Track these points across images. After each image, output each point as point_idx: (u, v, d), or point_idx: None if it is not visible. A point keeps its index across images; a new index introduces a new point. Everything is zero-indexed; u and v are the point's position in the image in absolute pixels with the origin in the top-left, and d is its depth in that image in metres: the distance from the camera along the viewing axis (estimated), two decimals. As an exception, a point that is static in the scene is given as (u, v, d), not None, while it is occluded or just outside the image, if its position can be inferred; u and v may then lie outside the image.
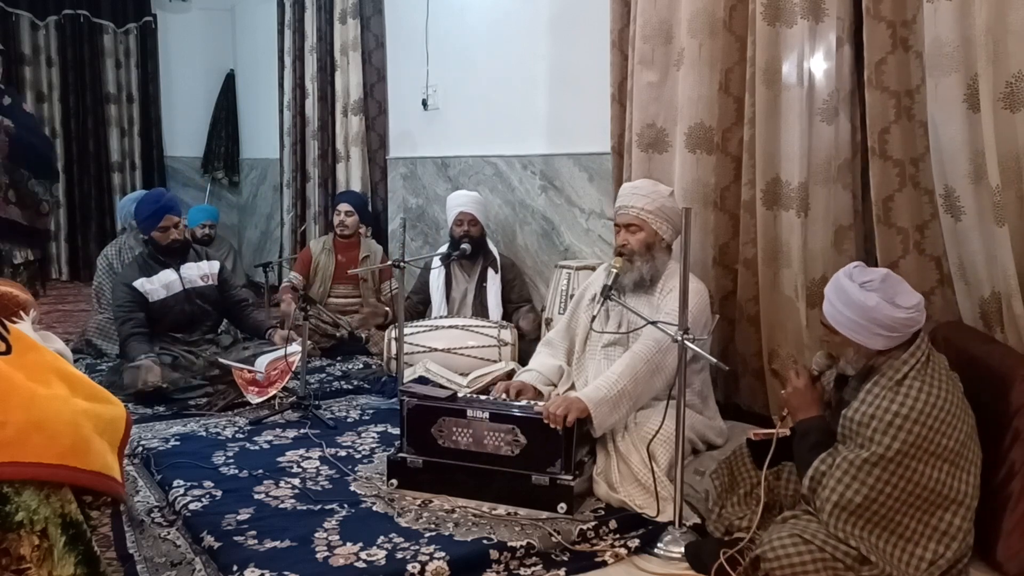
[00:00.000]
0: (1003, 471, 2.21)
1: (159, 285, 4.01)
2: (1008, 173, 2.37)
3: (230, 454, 3.04)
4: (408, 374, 3.65)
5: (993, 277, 2.45)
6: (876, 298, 2.10)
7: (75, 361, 3.18)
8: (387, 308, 4.49)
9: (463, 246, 4.23)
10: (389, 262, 4.16)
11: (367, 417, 3.53)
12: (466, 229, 4.29)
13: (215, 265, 4.21)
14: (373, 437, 3.25)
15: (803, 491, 2.18)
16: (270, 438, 3.22)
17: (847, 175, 2.90)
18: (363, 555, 2.25)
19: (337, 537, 2.35)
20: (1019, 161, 2.37)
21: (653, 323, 2.61)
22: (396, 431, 3.15)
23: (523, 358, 3.68)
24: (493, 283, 4.29)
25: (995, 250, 2.40)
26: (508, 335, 3.92)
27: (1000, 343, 2.45)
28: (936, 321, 2.71)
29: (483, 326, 3.98)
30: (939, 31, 2.45)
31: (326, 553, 2.26)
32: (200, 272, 4.13)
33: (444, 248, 4.36)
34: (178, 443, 3.15)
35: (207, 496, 2.64)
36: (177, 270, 4.06)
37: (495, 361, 3.83)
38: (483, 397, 2.88)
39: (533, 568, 2.27)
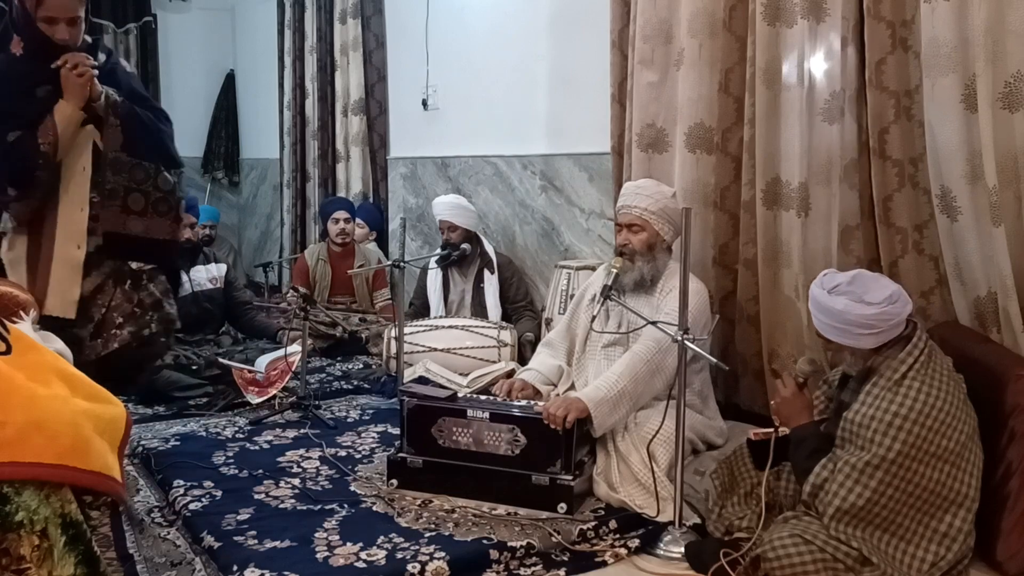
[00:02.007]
0: (1000, 471, 2.21)
1: None
2: (1006, 173, 2.37)
3: (230, 454, 3.04)
4: (408, 374, 3.66)
5: (989, 277, 2.45)
6: (844, 301, 2.12)
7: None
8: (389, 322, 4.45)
9: (463, 246, 4.24)
10: (389, 262, 4.16)
11: (367, 417, 3.53)
12: (447, 236, 4.30)
13: (223, 268, 4.23)
14: (373, 437, 3.25)
15: (804, 497, 2.18)
16: (270, 438, 3.22)
17: (853, 175, 2.90)
18: (363, 555, 2.25)
19: (337, 537, 2.35)
20: (1017, 161, 2.37)
21: (653, 323, 2.62)
22: (396, 431, 3.15)
23: (523, 361, 3.68)
24: (490, 284, 4.29)
25: (991, 250, 2.40)
26: (508, 335, 3.92)
27: (995, 343, 2.45)
28: (934, 321, 2.71)
29: (482, 326, 3.98)
30: (936, 31, 2.46)
31: (326, 553, 2.26)
32: (208, 275, 4.15)
33: (439, 250, 4.37)
34: (178, 443, 3.14)
35: (207, 496, 2.64)
36: (187, 272, 4.06)
37: (495, 361, 3.84)
38: (483, 397, 2.88)
39: (533, 568, 2.27)
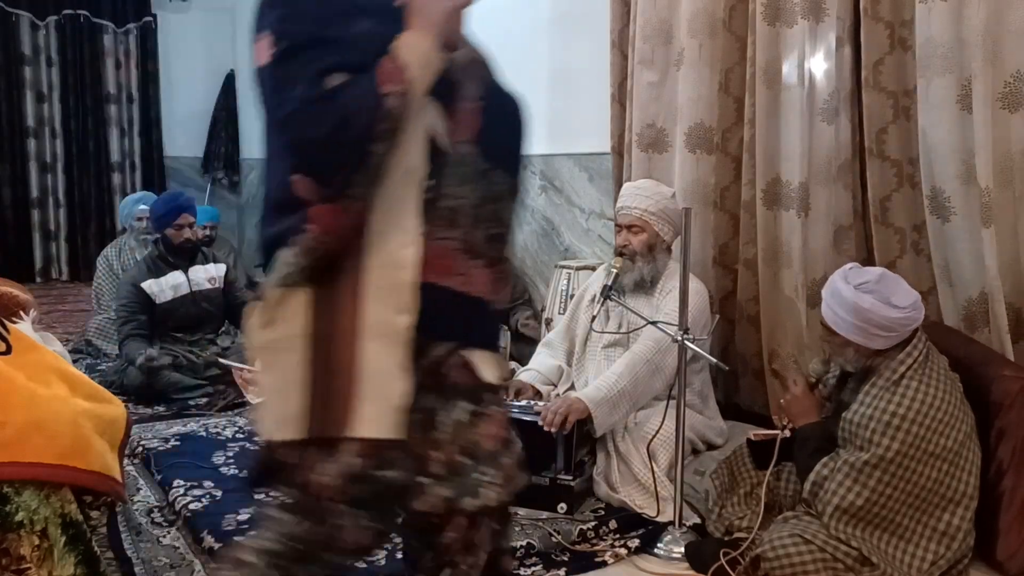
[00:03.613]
0: (992, 470, 2.21)
1: (167, 287, 4.00)
2: (1004, 173, 2.37)
3: (230, 454, 3.03)
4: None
5: (981, 278, 2.45)
6: (871, 299, 2.09)
7: (75, 361, 3.18)
8: None
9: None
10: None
11: (367, 417, 3.52)
12: None
13: (222, 268, 4.22)
14: (373, 437, 3.25)
15: (804, 495, 2.18)
16: (270, 438, 3.21)
17: (847, 175, 2.90)
18: (363, 555, 2.25)
19: (337, 537, 2.35)
20: (1015, 161, 2.37)
21: (653, 323, 2.62)
22: (396, 431, 3.15)
23: (523, 362, 3.68)
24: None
25: (983, 251, 2.40)
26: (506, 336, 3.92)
27: (980, 344, 2.45)
28: (928, 319, 2.71)
29: (483, 326, 3.97)
30: (932, 32, 2.46)
31: (326, 553, 2.26)
32: (207, 275, 4.13)
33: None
34: (178, 443, 3.14)
35: (207, 496, 2.64)
36: (186, 272, 4.06)
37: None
38: (483, 397, 2.87)
39: (533, 568, 2.27)
